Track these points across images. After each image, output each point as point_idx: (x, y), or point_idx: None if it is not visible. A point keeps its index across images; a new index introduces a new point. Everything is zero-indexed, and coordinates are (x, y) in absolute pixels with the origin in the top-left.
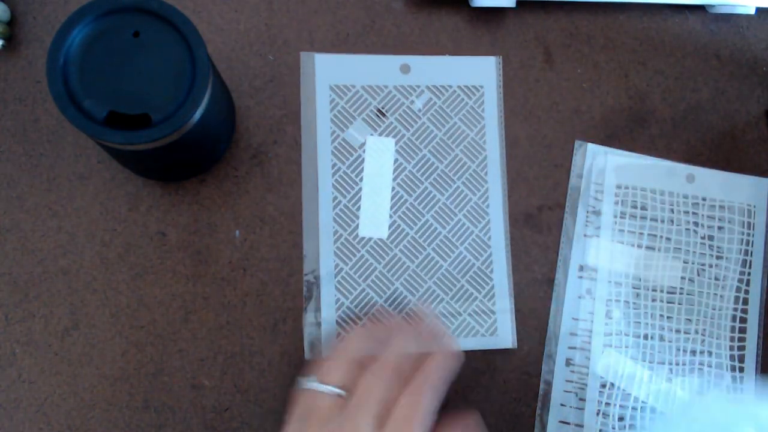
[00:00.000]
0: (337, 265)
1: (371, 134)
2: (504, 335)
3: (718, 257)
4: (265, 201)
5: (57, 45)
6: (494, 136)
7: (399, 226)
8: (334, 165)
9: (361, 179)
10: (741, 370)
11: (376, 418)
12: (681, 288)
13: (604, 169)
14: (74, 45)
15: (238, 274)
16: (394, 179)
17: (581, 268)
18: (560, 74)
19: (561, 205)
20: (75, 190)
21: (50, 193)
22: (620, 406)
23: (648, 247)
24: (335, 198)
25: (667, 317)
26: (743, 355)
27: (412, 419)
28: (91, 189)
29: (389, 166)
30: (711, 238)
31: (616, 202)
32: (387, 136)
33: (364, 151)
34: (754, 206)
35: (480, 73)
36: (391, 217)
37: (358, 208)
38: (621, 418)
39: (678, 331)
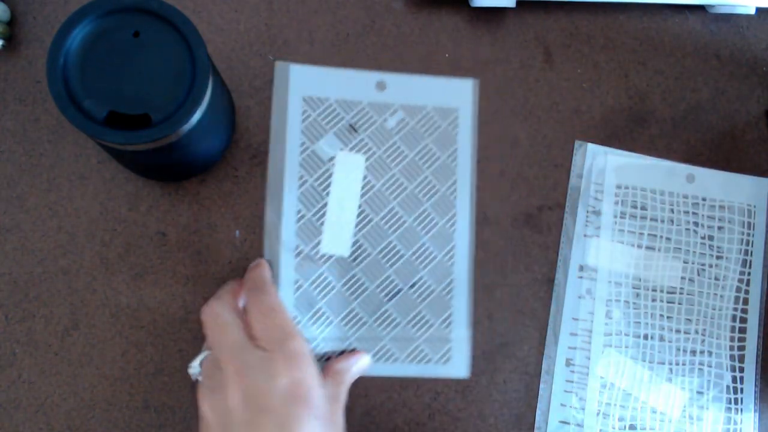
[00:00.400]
0: (296, 281)
1: (342, 149)
2: (457, 364)
3: (718, 257)
4: (265, 201)
5: (57, 45)
6: (466, 160)
7: (362, 245)
8: (301, 177)
9: (327, 194)
10: (741, 370)
11: (241, 334)
12: (681, 288)
13: (604, 169)
14: (74, 45)
15: (238, 274)
16: (362, 196)
17: (581, 268)
18: (560, 74)
19: (561, 205)
20: (75, 190)
21: (50, 193)
22: (620, 406)
23: (648, 247)
24: (299, 211)
25: (667, 317)
26: (743, 355)
27: (266, 303)
28: (91, 189)
29: (357, 182)
30: (711, 238)
31: (616, 202)
32: (358, 152)
33: (333, 165)
34: (754, 206)
35: (456, 95)
36: (354, 235)
37: (322, 224)
38: (621, 418)
39: (678, 331)
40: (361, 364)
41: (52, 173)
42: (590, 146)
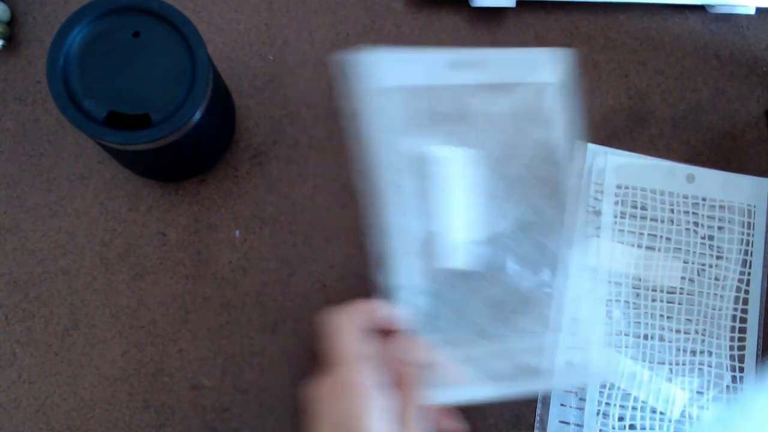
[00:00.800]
0: (421, 292)
1: (442, 149)
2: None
3: (718, 257)
4: (265, 201)
5: (57, 45)
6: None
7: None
8: (413, 186)
9: (442, 202)
10: (741, 370)
11: None
12: (681, 288)
13: (604, 169)
14: (74, 45)
15: (238, 274)
16: (472, 192)
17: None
18: None
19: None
20: (75, 190)
21: (50, 193)
22: (620, 406)
23: (648, 247)
24: (417, 224)
25: (667, 317)
26: (743, 355)
27: (329, 322)
28: (91, 189)
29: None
30: (711, 238)
31: (616, 202)
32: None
33: (439, 170)
34: (754, 206)
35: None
36: (471, 250)
37: (441, 236)
38: (621, 418)
39: (678, 331)
40: (414, 349)
41: (52, 173)
42: (590, 146)
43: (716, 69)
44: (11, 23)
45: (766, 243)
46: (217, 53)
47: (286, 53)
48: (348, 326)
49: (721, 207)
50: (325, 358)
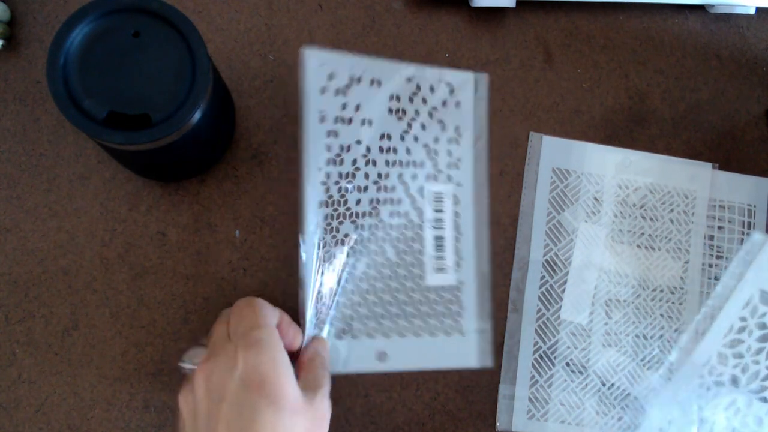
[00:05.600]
0: (536, 343)
1: (585, 221)
2: None
3: (718, 257)
4: (265, 201)
5: (57, 45)
6: (699, 241)
7: (599, 314)
8: (546, 245)
9: (569, 263)
10: None
11: (223, 332)
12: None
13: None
14: (74, 45)
15: (238, 274)
16: (599, 268)
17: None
18: (560, 74)
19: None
20: (75, 190)
21: (50, 193)
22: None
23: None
24: (543, 277)
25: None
26: None
27: (244, 301)
28: (92, 189)
29: (597, 254)
30: (711, 237)
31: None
32: (599, 224)
33: (576, 236)
34: (755, 206)
35: (694, 178)
36: (592, 304)
37: (563, 291)
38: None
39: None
40: (324, 345)
41: (52, 173)
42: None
43: (716, 69)
44: (11, 23)
45: None
46: (217, 53)
47: (286, 53)
48: (258, 301)
49: (721, 207)
50: (232, 332)
